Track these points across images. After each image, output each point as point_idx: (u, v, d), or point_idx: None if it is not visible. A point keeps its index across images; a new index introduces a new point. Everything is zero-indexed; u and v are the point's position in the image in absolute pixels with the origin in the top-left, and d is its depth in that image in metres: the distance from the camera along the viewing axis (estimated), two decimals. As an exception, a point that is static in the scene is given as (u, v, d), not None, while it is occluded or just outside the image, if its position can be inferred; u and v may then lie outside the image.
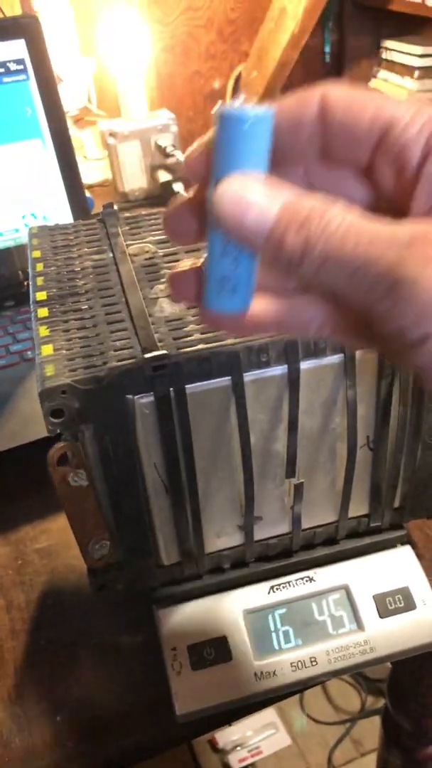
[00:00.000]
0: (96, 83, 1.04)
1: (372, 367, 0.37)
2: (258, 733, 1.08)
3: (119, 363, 0.35)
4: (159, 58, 1.25)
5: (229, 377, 0.36)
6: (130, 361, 0.35)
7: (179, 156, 0.93)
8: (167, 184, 0.95)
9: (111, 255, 0.45)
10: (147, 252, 0.45)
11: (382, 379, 0.38)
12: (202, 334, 0.37)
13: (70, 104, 0.98)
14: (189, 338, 0.36)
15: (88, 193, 0.90)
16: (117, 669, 0.43)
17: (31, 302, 0.42)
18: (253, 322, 0.24)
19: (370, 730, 1.10)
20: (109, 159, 0.97)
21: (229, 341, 0.36)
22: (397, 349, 0.20)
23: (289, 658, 0.42)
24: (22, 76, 0.73)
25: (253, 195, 0.20)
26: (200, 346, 0.36)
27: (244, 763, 1.06)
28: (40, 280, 0.43)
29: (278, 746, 1.08)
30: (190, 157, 0.23)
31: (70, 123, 1.02)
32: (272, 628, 0.43)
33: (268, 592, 0.44)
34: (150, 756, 0.42)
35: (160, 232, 0.48)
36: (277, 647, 0.42)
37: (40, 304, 0.41)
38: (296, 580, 0.44)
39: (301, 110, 0.22)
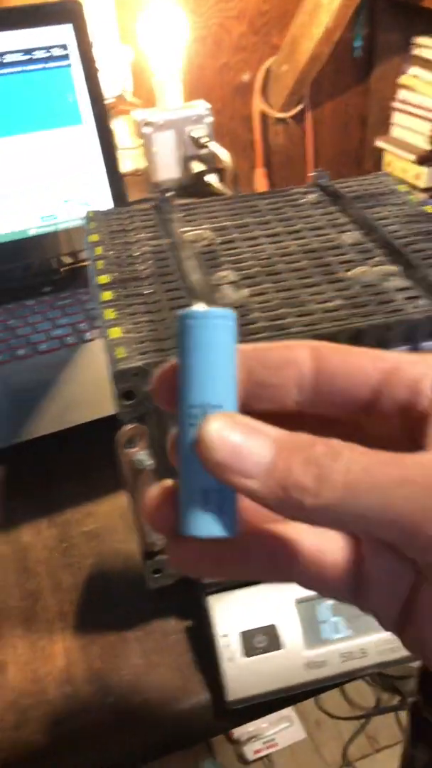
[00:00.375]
0: (133, 72, 1.04)
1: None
2: (273, 726, 1.09)
3: (189, 347, 0.35)
4: (190, 49, 1.24)
5: (297, 365, 0.36)
6: (199, 345, 0.35)
7: (213, 147, 0.93)
8: (200, 175, 0.95)
9: (169, 241, 0.45)
10: (204, 239, 0.45)
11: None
12: (268, 321, 0.37)
13: (106, 92, 0.98)
14: (254, 325, 0.36)
15: (123, 182, 0.90)
16: (166, 653, 0.44)
17: (92, 285, 0.42)
18: (243, 554, 0.21)
19: (386, 726, 1.11)
20: (143, 148, 0.97)
21: (296, 329, 0.36)
22: None
23: (339, 649, 0.42)
24: (66, 62, 0.73)
25: (243, 429, 0.18)
26: (266, 334, 0.36)
27: (259, 755, 1.06)
28: (100, 264, 0.43)
29: (293, 739, 1.08)
30: (157, 382, 0.21)
31: (103, 111, 1.02)
32: (323, 619, 0.43)
33: (319, 582, 0.44)
34: (197, 741, 0.42)
35: (215, 219, 0.48)
36: (327, 637, 0.42)
37: (104, 287, 0.41)
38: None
39: (288, 355, 0.21)
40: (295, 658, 0.41)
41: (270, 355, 0.21)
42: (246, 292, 0.39)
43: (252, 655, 0.41)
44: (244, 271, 0.41)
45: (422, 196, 1.37)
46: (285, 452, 0.18)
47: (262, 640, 0.42)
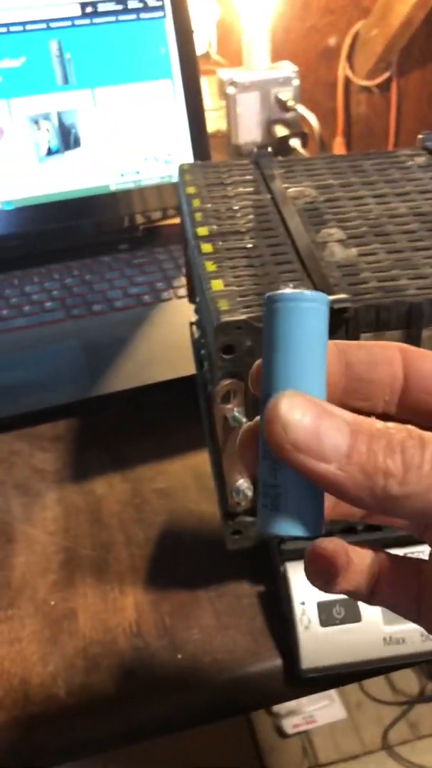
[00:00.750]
0: (219, 30, 1.02)
1: None
2: (313, 703, 1.08)
3: (296, 303, 0.33)
4: (277, 11, 1.20)
5: (407, 329, 0.34)
6: (307, 302, 0.33)
7: (300, 110, 0.90)
8: (284, 140, 0.92)
9: (269, 196, 0.44)
10: (307, 196, 0.43)
11: None
12: (379, 282, 0.35)
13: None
14: (366, 285, 0.35)
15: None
16: (238, 616, 0.43)
17: (191, 237, 0.41)
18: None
19: (429, 715, 1.09)
20: (226, 109, 0.94)
21: (412, 291, 0.34)
22: None
23: (419, 627, 0.40)
24: (160, 13, 0.71)
25: (320, 411, 0.17)
26: (380, 294, 0.34)
27: (298, 730, 1.06)
28: (198, 216, 0.42)
29: (333, 718, 1.08)
30: (254, 372, 0.20)
31: (187, 70, 1.00)
32: (403, 595, 0.41)
33: (401, 559, 0.42)
34: (265, 706, 0.42)
35: (317, 177, 0.46)
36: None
37: (203, 239, 0.39)
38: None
39: (381, 353, 0.20)
40: (373, 632, 0.40)
41: (366, 349, 0.20)
42: (354, 251, 0.38)
43: (329, 626, 0.40)
44: (350, 230, 0.39)
45: None
46: (365, 436, 0.17)
47: (340, 611, 0.41)
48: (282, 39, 1.24)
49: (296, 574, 0.42)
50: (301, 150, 0.92)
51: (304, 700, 1.08)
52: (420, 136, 0.50)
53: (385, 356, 0.20)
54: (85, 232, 0.75)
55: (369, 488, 0.17)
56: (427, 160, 0.47)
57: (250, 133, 0.95)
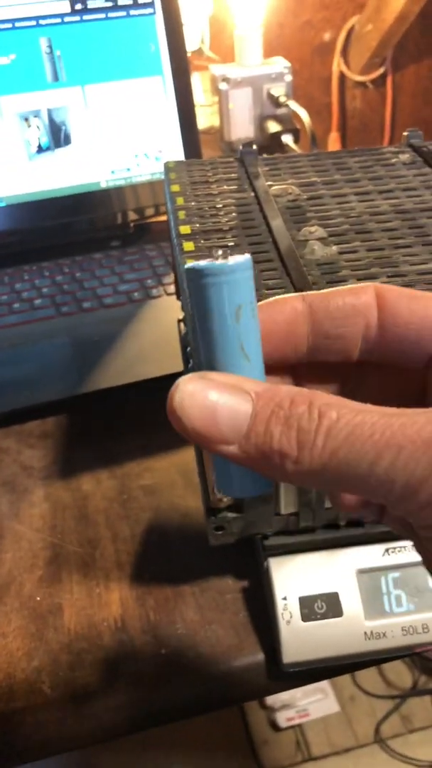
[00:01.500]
0: (210, 26, 1.01)
1: None
2: (307, 696, 1.09)
3: (274, 301, 0.34)
4: (270, 5, 1.20)
5: (385, 327, 0.34)
6: (285, 300, 0.34)
7: (292, 106, 0.90)
8: (276, 136, 0.92)
9: (253, 194, 0.44)
10: (290, 193, 0.43)
11: None
12: (358, 280, 0.35)
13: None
14: (344, 283, 0.35)
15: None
16: (221, 611, 0.43)
17: (174, 236, 0.41)
18: None
19: (421, 708, 1.10)
20: (218, 105, 0.94)
21: (389, 289, 0.34)
22: None
23: (400, 622, 0.41)
24: (150, 10, 0.71)
25: (217, 389, 0.17)
26: (357, 292, 0.34)
27: (291, 723, 1.07)
28: (181, 214, 0.42)
29: (326, 711, 1.09)
30: None
31: (180, 66, 1.00)
32: (384, 591, 0.42)
33: (383, 554, 0.43)
34: (247, 700, 0.42)
35: (302, 174, 0.46)
36: (388, 610, 0.41)
37: (185, 237, 0.40)
38: (412, 545, 0.43)
39: (355, 302, 0.20)
40: (354, 627, 0.41)
41: (335, 303, 0.20)
42: (335, 249, 0.38)
43: (310, 620, 0.41)
44: (332, 228, 0.40)
45: None
46: (264, 412, 0.17)
47: (321, 606, 0.41)
48: (276, 34, 1.24)
49: (279, 569, 0.42)
50: (293, 146, 0.92)
51: (297, 693, 1.09)
52: (405, 133, 0.50)
53: (356, 306, 0.20)
54: (76, 229, 0.75)
55: (269, 467, 0.17)
56: (412, 157, 0.48)
57: (242, 129, 0.95)
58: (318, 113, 1.35)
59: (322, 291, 0.21)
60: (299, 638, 0.40)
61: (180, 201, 0.44)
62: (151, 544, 0.48)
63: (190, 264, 0.17)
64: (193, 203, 0.43)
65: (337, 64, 1.31)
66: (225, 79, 0.92)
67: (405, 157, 0.48)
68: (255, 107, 0.94)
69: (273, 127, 0.93)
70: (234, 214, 0.42)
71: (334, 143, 1.36)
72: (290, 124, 0.93)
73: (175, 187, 0.45)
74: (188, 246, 0.39)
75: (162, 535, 0.48)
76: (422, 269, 0.35)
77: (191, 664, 0.41)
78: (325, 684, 1.11)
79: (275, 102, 0.92)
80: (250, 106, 0.94)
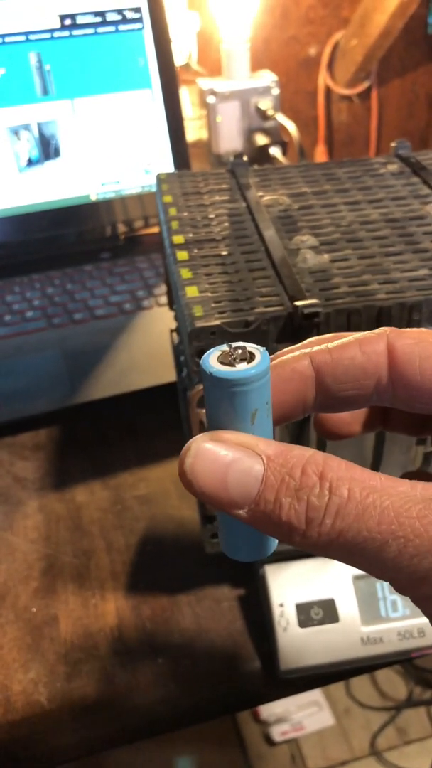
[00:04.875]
0: (198, 40, 1.03)
1: None
2: (301, 710, 1.08)
3: (268, 309, 0.34)
4: (256, 20, 1.21)
5: (377, 333, 0.35)
6: (279, 307, 0.34)
7: (280, 119, 0.91)
8: (264, 149, 0.93)
9: (245, 204, 0.44)
10: (281, 204, 0.44)
11: None
12: (350, 287, 0.35)
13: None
14: (337, 290, 0.35)
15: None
16: (217, 619, 0.43)
17: (167, 245, 0.41)
18: None
19: (417, 719, 1.09)
20: (206, 119, 0.95)
21: (381, 296, 0.35)
22: None
23: (396, 627, 0.41)
24: (138, 25, 0.72)
25: (232, 450, 0.17)
26: (350, 299, 0.34)
27: (286, 737, 1.06)
28: (175, 224, 0.42)
29: (321, 725, 1.08)
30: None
31: (168, 80, 1.01)
32: (380, 596, 0.42)
33: (378, 560, 0.43)
34: (245, 708, 0.42)
35: (292, 185, 0.46)
36: (384, 615, 0.41)
37: (179, 247, 0.40)
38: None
39: (365, 364, 0.19)
40: (351, 632, 0.41)
41: (343, 366, 0.20)
42: (326, 257, 0.38)
43: (307, 627, 0.41)
44: (323, 237, 0.40)
45: None
46: (275, 480, 0.17)
47: (318, 612, 0.41)
48: (262, 48, 1.26)
49: (275, 576, 0.42)
50: (281, 158, 0.93)
51: (292, 707, 1.08)
52: (393, 144, 0.50)
53: (366, 367, 0.19)
54: (66, 241, 0.75)
55: (277, 533, 0.17)
56: (400, 167, 0.48)
57: (230, 142, 0.96)
58: (305, 126, 1.37)
59: (330, 347, 0.20)
60: (296, 645, 0.40)
61: (172, 211, 0.44)
62: (146, 553, 0.48)
63: (212, 369, 0.17)
64: (185, 213, 0.44)
65: (323, 79, 1.32)
66: (213, 93, 0.93)
67: (393, 167, 0.48)
68: (243, 120, 0.95)
69: (261, 139, 0.94)
70: (226, 224, 0.42)
71: (321, 156, 1.38)
72: (278, 136, 0.94)
73: (168, 198, 0.46)
74: (182, 255, 0.39)
75: (157, 545, 0.48)
76: (413, 276, 0.36)
77: (188, 673, 0.41)
78: (319, 696, 1.10)
79: (263, 115, 0.93)
80: (238, 119, 0.95)
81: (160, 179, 0.48)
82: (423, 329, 0.20)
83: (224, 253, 0.39)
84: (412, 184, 0.46)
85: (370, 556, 0.16)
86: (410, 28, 1.28)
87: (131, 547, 0.48)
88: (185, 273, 0.38)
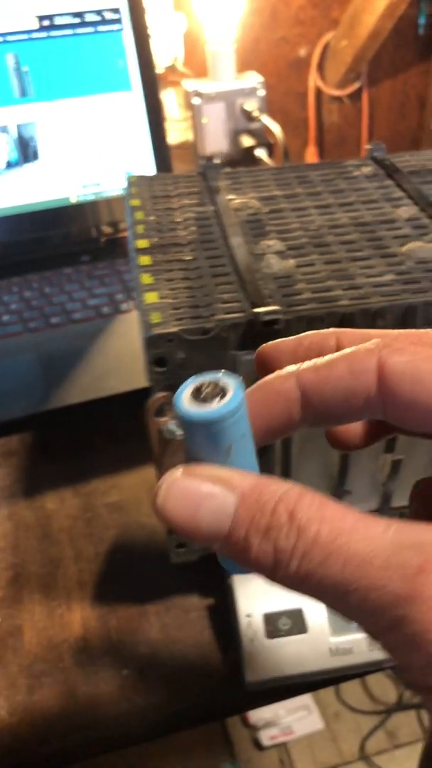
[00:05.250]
0: (185, 42, 1.02)
1: None
2: (290, 714, 1.08)
3: (227, 315, 0.33)
4: (246, 21, 1.21)
5: (340, 340, 0.34)
6: (239, 314, 0.33)
7: (265, 121, 0.90)
8: (250, 150, 0.92)
9: (213, 208, 0.44)
10: (251, 208, 0.43)
11: None
12: (313, 293, 0.35)
13: (157, 61, 0.96)
14: (299, 296, 0.35)
15: (170, 153, 0.88)
16: (185, 630, 0.43)
17: (130, 249, 0.40)
18: None
19: (407, 723, 1.09)
20: (192, 120, 0.95)
21: (344, 302, 0.34)
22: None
23: (366, 637, 0.40)
24: (117, 26, 0.71)
25: (204, 485, 0.17)
26: (313, 305, 0.34)
27: (275, 741, 1.06)
28: (140, 228, 0.42)
29: (310, 729, 1.07)
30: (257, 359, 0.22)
31: (154, 81, 1.00)
32: (350, 607, 0.41)
33: (348, 570, 0.42)
34: (211, 720, 0.41)
35: (263, 188, 0.46)
36: (354, 625, 0.41)
37: (142, 251, 0.39)
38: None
39: (354, 384, 0.19)
40: (319, 643, 0.40)
41: (331, 389, 0.19)
42: (292, 262, 0.37)
43: (275, 637, 0.40)
44: (290, 241, 0.39)
45: None
46: (246, 517, 0.16)
47: (286, 622, 0.40)
48: (252, 49, 1.25)
49: (243, 586, 0.41)
50: (267, 160, 0.92)
51: (281, 711, 1.08)
52: (367, 147, 0.50)
53: (356, 391, 0.19)
54: (46, 244, 0.74)
55: (248, 567, 0.17)
56: (374, 170, 0.48)
57: (216, 143, 0.95)
58: (295, 128, 1.36)
59: (318, 364, 0.19)
60: (263, 656, 0.40)
61: (139, 215, 0.43)
62: (115, 562, 0.47)
63: (182, 409, 0.17)
64: (152, 217, 0.43)
65: (313, 79, 1.32)
66: (198, 94, 0.92)
67: (367, 170, 0.48)
68: (228, 122, 0.94)
69: (247, 141, 0.93)
70: (193, 228, 0.42)
71: (311, 157, 1.37)
72: (264, 138, 0.93)
73: (135, 202, 0.45)
74: (144, 260, 0.39)
75: (126, 554, 0.47)
76: (378, 281, 0.35)
77: (153, 685, 0.40)
78: (309, 701, 1.10)
79: (248, 116, 0.92)
80: (224, 121, 0.94)
81: (130, 182, 0.48)
82: (419, 342, 0.20)
83: (188, 258, 0.39)
84: (385, 187, 0.45)
85: (337, 600, 0.16)
86: (401, 29, 1.27)
87: (100, 556, 0.47)
88: (146, 278, 0.37)
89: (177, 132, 1.03)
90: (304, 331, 0.33)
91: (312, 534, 0.16)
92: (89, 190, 0.75)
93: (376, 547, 0.15)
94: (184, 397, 0.18)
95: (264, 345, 0.22)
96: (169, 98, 1.04)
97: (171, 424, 0.35)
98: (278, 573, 0.16)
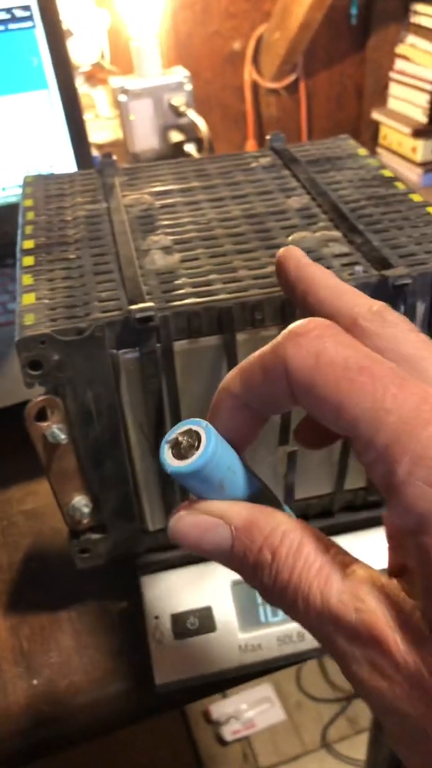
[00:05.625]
0: (110, 38, 1.01)
1: (374, 330, 0.35)
2: (252, 707, 1.08)
3: (103, 314, 0.33)
4: (177, 16, 1.20)
5: (221, 335, 0.33)
6: (114, 312, 0.33)
7: (191, 115, 0.90)
8: (179, 145, 0.92)
9: (105, 205, 0.43)
10: (143, 203, 0.43)
11: (384, 343, 0.35)
12: (193, 288, 0.34)
13: (82, 59, 0.95)
14: (179, 291, 0.34)
15: (96, 152, 0.87)
16: (99, 635, 0.42)
17: (17, 250, 0.40)
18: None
19: (365, 708, 1.10)
20: (120, 117, 0.94)
21: (222, 296, 0.33)
22: None
23: (275, 632, 0.40)
24: (29, 23, 0.70)
25: (205, 519, 0.21)
26: (191, 300, 0.33)
27: (238, 736, 1.06)
28: (29, 229, 0.41)
29: (272, 720, 1.08)
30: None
31: (81, 79, 0.99)
32: (259, 601, 0.41)
33: (257, 564, 0.42)
34: (127, 725, 0.41)
35: (159, 183, 0.45)
36: (263, 620, 0.40)
37: (26, 252, 0.39)
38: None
39: (271, 389, 0.21)
40: (228, 640, 0.40)
41: (253, 391, 0.21)
42: (177, 257, 0.37)
43: (183, 638, 0.39)
44: (178, 236, 0.39)
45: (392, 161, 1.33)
46: (238, 552, 0.20)
47: (194, 622, 0.40)
48: (186, 45, 1.24)
49: (152, 587, 0.41)
50: (195, 155, 0.92)
51: (243, 705, 1.08)
52: (268, 137, 0.50)
53: (275, 395, 0.21)
54: (-32, 248, 0.73)
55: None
56: (272, 160, 0.47)
57: (146, 140, 0.95)
58: (234, 122, 1.36)
59: (242, 368, 0.22)
60: (171, 657, 0.39)
61: (30, 215, 0.42)
62: (29, 570, 0.46)
63: (168, 467, 0.21)
64: (43, 217, 0.42)
65: (249, 73, 1.31)
66: (124, 91, 0.91)
67: (265, 160, 0.47)
68: (157, 118, 0.94)
69: (176, 136, 0.92)
70: (82, 226, 0.41)
71: (252, 150, 1.37)
72: (193, 133, 0.93)
73: (28, 202, 0.44)
74: (27, 261, 0.38)
75: (41, 561, 0.47)
76: (258, 273, 0.35)
77: (63, 694, 0.40)
78: (270, 692, 1.10)
79: (176, 112, 0.92)
80: (152, 117, 0.93)
81: (26, 182, 0.47)
82: (320, 324, 0.20)
83: (72, 257, 0.38)
84: (281, 178, 0.45)
85: (311, 631, 0.19)
86: (333, 19, 1.28)
87: (14, 565, 0.46)
88: (26, 279, 0.36)
89: (107, 130, 1.02)
90: (185, 327, 0.33)
91: (286, 576, 0.19)
92: (10, 192, 0.73)
93: (332, 593, 0.19)
94: (166, 453, 0.21)
95: None
96: (99, 96, 1.03)
97: (55, 428, 0.34)
98: (270, 596, 0.20)
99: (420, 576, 0.17)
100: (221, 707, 1.07)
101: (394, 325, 0.21)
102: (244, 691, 1.09)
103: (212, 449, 0.20)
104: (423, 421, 0.17)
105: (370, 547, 0.43)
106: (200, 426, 0.21)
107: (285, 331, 0.20)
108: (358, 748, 1.04)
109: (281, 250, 0.27)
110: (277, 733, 1.07)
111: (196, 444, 0.20)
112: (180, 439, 0.21)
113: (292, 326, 0.20)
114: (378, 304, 0.22)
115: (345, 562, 0.19)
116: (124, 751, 1.00)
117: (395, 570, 0.21)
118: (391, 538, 0.23)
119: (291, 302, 0.33)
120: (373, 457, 0.18)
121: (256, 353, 0.21)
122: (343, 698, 1.11)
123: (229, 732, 1.05)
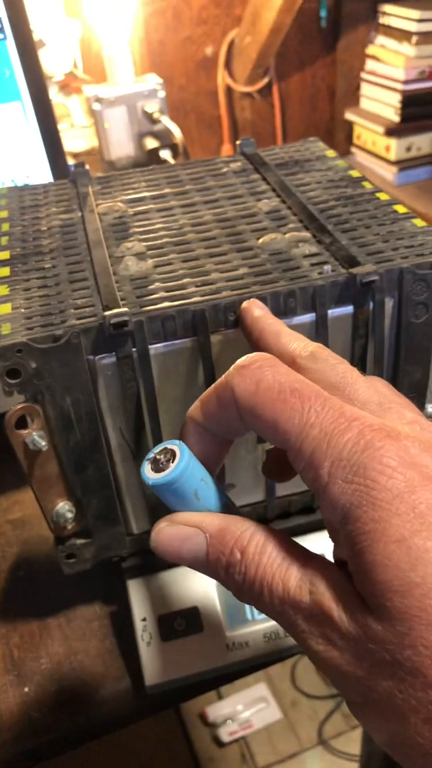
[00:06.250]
0: (82, 47, 1.01)
1: (345, 327, 0.36)
2: (248, 707, 1.08)
3: (78, 321, 0.33)
4: (149, 23, 1.21)
5: (195, 337, 0.34)
6: (90, 319, 0.33)
7: (165, 122, 0.90)
8: (155, 151, 0.92)
9: (80, 214, 0.43)
10: (117, 211, 0.43)
11: (356, 340, 0.36)
12: (167, 292, 0.35)
13: (54, 69, 0.96)
14: (153, 296, 0.35)
15: (71, 161, 0.88)
16: (88, 640, 0.42)
17: (-7, 262, 0.40)
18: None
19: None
20: (95, 126, 0.94)
21: (195, 299, 0.34)
22: None
23: (261, 629, 0.41)
24: (-1, 36, 0.70)
25: (182, 529, 0.23)
26: (165, 305, 0.34)
27: (235, 737, 1.06)
28: (4, 240, 0.41)
29: (269, 720, 1.08)
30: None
31: (55, 89, 1.00)
32: (246, 599, 0.42)
33: (242, 562, 0.43)
34: (120, 727, 0.41)
35: (132, 190, 0.46)
36: (250, 618, 0.41)
37: (2, 263, 0.39)
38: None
39: (226, 415, 0.24)
40: (215, 640, 0.40)
41: (213, 420, 0.25)
42: (150, 263, 0.38)
43: (170, 639, 0.40)
44: (151, 242, 0.39)
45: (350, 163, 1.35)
46: (213, 556, 0.23)
47: (181, 623, 0.40)
48: (159, 52, 1.25)
49: (138, 590, 0.41)
50: (171, 161, 0.92)
51: (239, 706, 1.08)
52: (238, 142, 0.50)
53: (228, 418, 0.24)
54: None
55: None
56: (243, 165, 0.48)
57: (121, 147, 0.95)
58: (209, 126, 1.37)
59: (202, 401, 0.26)
60: (160, 659, 0.40)
61: (5, 227, 0.43)
62: (17, 579, 0.46)
63: (147, 479, 0.24)
64: (18, 228, 0.43)
65: (222, 77, 1.32)
66: (98, 100, 0.92)
67: (236, 165, 0.48)
68: (132, 125, 0.94)
69: (151, 143, 0.93)
70: (57, 235, 0.41)
71: (228, 155, 1.38)
72: (167, 139, 0.93)
73: (3, 213, 0.44)
74: (3, 272, 0.38)
75: (29, 569, 0.47)
76: (230, 276, 0.36)
77: (54, 700, 0.40)
78: (266, 692, 1.10)
79: (150, 119, 0.92)
80: (126, 124, 0.94)
81: (1, 194, 0.47)
82: (261, 357, 0.24)
83: (47, 266, 0.38)
84: (251, 182, 0.46)
85: (280, 622, 0.22)
86: (303, 23, 1.29)
87: (2, 574, 0.47)
88: (2, 290, 0.36)
89: (83, 139, 1.03)
90: (159, 332, 0.34)
91: (252, 573, 0.22)
92: (-14, 204, 0.73)
93: (290, 584, 0.21)
94: (146, 469, 0.24)
95: None
96: (74, 105, 1.04)
97: (35, 435, 0.35)
98: (241, 597, 0.23)
99: (349, 559, 0.20)
100: (217, 709, 1.07)
101: (323, 360, 0.25)
102: (239, 692, 1.09)
103: (186, 461, 0.23)
104: (339, 431, 0.21)
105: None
106: (175, 444, 0.24)
107: (234, 365, 0.24)
108: (354, 743, 1.05)
109: (244, 304, 0.32)
110: (274, 732, 1.08)
111: (172, 459, 0.23)
112: (158, 456, 0.24)
113: (239, 361, 0.24)
114: (313, 345, 0.26)
115: (303, 555, 0.22)
116: (121, 756, 1.00)
117: (338, 561, 0.23)
118: (330, 534, 0.26)
119: (262, 301, 0.34)
120: (303, 465, 0.21)
121: (212, 385, 0.25)
122: (338, 694, 1.12)
123: (226, 733, 1.06)
